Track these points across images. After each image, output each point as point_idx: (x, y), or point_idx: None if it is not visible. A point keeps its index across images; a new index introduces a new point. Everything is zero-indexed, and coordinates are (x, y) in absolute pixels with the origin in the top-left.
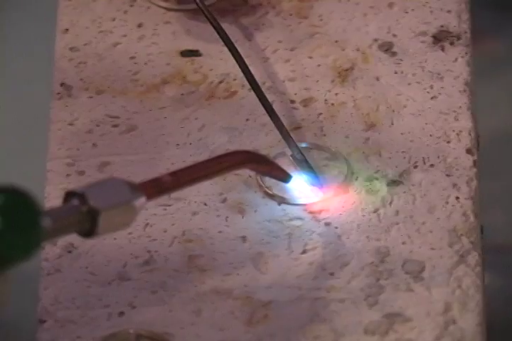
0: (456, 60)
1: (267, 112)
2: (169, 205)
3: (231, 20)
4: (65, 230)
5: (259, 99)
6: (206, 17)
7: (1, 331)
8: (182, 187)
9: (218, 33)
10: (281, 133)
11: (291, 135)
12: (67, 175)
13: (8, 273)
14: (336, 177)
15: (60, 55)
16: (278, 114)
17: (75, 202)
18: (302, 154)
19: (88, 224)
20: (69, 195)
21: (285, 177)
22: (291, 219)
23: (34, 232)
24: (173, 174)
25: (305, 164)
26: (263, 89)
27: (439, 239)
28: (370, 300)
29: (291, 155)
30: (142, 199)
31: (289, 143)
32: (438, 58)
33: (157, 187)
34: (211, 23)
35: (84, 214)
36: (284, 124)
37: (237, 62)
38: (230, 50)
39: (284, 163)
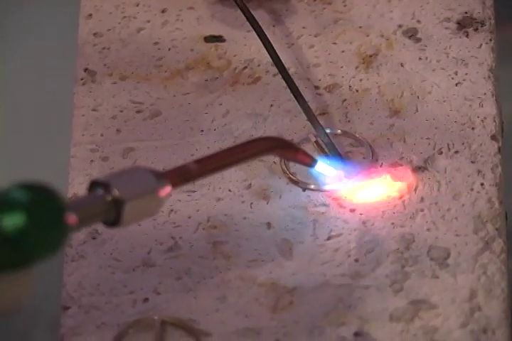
0: (480, 46)
1: (294, 95)
2: (194, 191)
3: (255, 5)
4: (90, 220)
5: (286, 82)
6: (234, 1)
7: (22, 316)
8: (208, 174)
9: (246, 17)
10: (307, 116)
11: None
12: (91, 161)
13: (31, 270)
14: (361, 163)
15: (83, 41)
16: None
17: (100, 191)
18: (329, 138)
19: (113, 214)
20: (93, 185)
21: (310, 162)
22: (315, 206)
23: (59, 230)
24: (199, 161)
25: (331, 149)
26: None
27: (464, 226)
28: (395, 286)
29: (315, 142)
30: (167, 188)
31: (315, 127)
32: (462, 44)
33: (183, 175)
34: (239, 6)
35: (109, 204)
36: None
37: (264, 44)
38: (257, 33)
39: (309, 149)
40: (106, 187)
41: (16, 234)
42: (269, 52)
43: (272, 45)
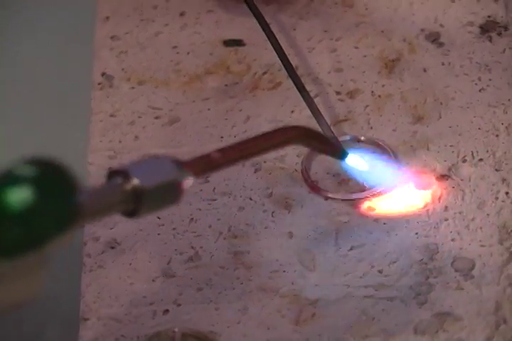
0: (504, 51)
1: (302, 97)
2: (214, 200)
3: (275, 8)
4: (108, 209)
5: (296, 87)
6: (247, 3)
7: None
8: (231, 163)
9: (258, 20)
10: (313, 113)
11: (339, 127)
12: (109, 168)
13: (47, 261)
14: (383, 171)
15: (100, 44)
16: (323, 105)
17: (119, 180)
18: (332, 132)
19: (132, 204)
20: (112, 174)
21: (339, 154)
22: (338, 215)
23: (69, 205)
24: (222, 151)
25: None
26: (309, 80)
27: (489, 236)
28: (419, 298)
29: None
30: (189, 177)
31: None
32: (486, 49)
33: (205, 165)
34: (251, 10)
35: (128, 193)
36: (330, 117)
37: (274, 48)
38: (267, 36)
39: None
40: (125, 176)
41: (23, 210)
42: (277, 54)
43: (281, 47)
